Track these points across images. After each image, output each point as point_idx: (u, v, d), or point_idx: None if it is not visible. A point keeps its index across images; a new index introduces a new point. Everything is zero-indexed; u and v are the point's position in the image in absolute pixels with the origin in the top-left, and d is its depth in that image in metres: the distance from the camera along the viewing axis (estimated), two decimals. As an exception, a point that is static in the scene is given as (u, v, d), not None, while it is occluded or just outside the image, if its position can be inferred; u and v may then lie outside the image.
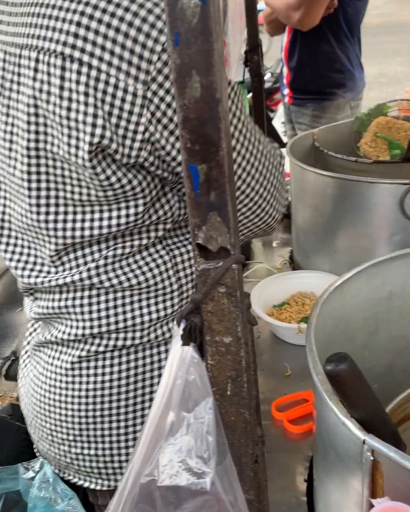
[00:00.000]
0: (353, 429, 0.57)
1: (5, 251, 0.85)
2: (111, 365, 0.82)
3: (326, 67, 2.33)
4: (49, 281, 0.81)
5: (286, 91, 2.51)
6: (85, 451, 0.85)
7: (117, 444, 0.85)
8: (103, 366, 0.82)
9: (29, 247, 0.83)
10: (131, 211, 0.76)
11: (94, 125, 0.67)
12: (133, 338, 0.82)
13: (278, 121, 4.19)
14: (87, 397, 0.83)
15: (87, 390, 0.83)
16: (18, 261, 0.84)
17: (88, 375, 0.83)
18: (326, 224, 1.33)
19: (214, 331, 0.50)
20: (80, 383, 0.83)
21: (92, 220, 0.76)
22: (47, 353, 0.87)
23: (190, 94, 0.43)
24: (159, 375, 0.84)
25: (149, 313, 0.82)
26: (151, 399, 0.84)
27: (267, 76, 4.15)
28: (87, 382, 0.83)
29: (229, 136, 0.46)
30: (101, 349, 0.82)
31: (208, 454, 0.42)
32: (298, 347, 1.19)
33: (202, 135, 0.44)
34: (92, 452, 0.85)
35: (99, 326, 0.81)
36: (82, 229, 0.77)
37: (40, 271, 0.82)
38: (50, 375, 0.86)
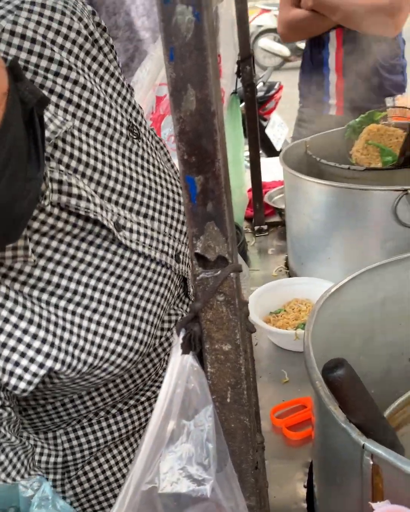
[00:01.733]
0: (353, 434, 0.58)
1: None
2: None
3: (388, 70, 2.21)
4: None
5: (333, 101, 2.32)
6: None
7: None
8: None
9: None
10: None
11: None
12: None
13: (271, 129, 4.22)
14: None
15: None
16: None
17: None
18: (320, 231, 1.34)
19: (213, 339, 0.51)
20: None
21: None
22: None
23: (186, 107, 0.43)
24: None
25: None
26: None
27: (259, 85, 4.18)
28: None
29: (225, 148, 0.47)
30: None
31: (208, 461, 0.42)
32: (295, 354, 1.20)
33: (198, 147, 0.44)
34: None
35: None
36: None
37: None
38: None
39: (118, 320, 0.74)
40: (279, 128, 4.30)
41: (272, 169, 2.01)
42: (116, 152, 0.77)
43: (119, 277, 0.75)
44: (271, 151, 4.06)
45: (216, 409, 0.49)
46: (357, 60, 2.18)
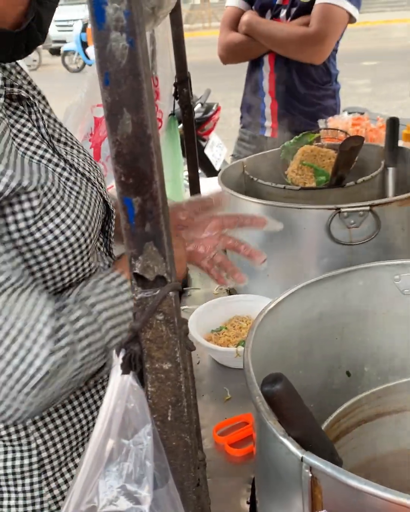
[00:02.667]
0: (291, 447, 0.59)
1: None
2: None
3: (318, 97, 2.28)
4: None
5: (268, 123, 2.38)
6: None
7: None
8: None
9: None
10: None
11: None
12: None
13: (210, 150, 4.28)
14: None
15: None
16: None
17: None
18: (259, 249, 1.37)
19: (153, 358, 0.51)
20: None
21: None
22: None
23: (122, 130, 0.44)
24: None
25: None
26: None
27: (197, 107, 4.25)
28: None
29: (161, 170, 0.48)
30: None
31: (146, 479, 0.42)
32: (237, 371, 1.21)
33: (135, 169, 0.45)
34: None
35: None
36: None
37: None
38: None
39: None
40: (217, 149, 4.37)
41: (211, 188, 2.03)
42: None
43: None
44: (211, 171, 4.12)
45: (157, 427, 0.49)
46: (288, 85, 2.28)
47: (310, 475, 0.58)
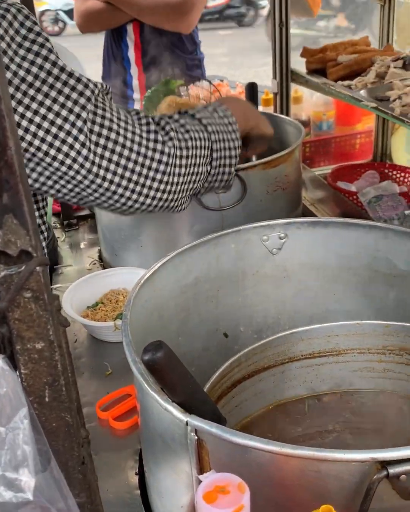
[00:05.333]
0: (175, 412, 0.59)
1: None
2: None
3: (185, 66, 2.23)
4: None
5: (137, 95, 2.30)
6: None
7: None
8: None
9: None
10: None
11: None
12: None
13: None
14: None
15: None
16: None
17: None
18: (131, 220, 1.35)
19: (24, 338, 0.48)
20: None
21: None
22: None
23: (-34, 91, 0.40)
24: None
25: None
26: None
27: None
28: None
29: (16, 136, 0.44)
30: None
31: (27, 464, 0.40)
32: (117, 345, 1.19)
33: (-15, 135, 0.41)
34: None
35: None
36: None
37: None
38: None
39: None
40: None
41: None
42: None
43: None
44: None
45: (35, 409, 0.47)
46: (154, 55, 2.21)
47: (196, 437, 0.58)
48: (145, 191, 0.92)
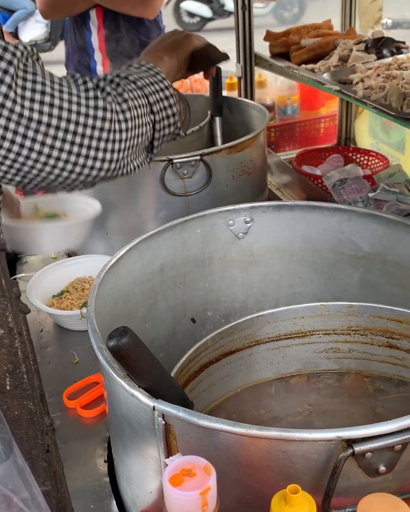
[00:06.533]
0: (142, 398, 0.59)
1: None
2: None
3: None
4: None
5: None
6: None
7: None
8: None
9: None
10: None
11: None
12: None
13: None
14: None
15: None
16: None
17: None
18: (96, 205, 1.33)
19: (-18, 326, 0.47)
20: None
21: None
22: None
23: None
24: None
25: None
26: None
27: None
28: None
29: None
30: None
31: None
32: (84, 333, 1.17)
33: None
34: None
35: None
36: None
37: None
38: None
39: None
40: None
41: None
42: None
43: None
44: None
45: (-5, 399, 0.46)
46: (118, 40, 2.17)
47: (163, 422, 0.58)
48: (92, 153, 0.85)
